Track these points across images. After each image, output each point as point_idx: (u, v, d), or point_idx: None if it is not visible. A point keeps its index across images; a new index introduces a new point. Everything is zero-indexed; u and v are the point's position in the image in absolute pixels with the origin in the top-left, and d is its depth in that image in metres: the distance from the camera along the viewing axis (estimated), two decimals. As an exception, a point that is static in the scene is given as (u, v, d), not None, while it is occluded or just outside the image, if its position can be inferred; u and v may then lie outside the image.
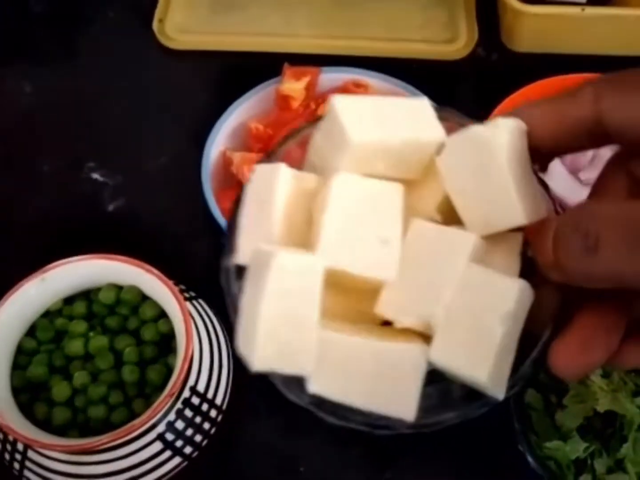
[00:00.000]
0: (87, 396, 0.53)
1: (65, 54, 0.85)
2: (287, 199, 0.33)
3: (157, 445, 0.52)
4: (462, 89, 0.82)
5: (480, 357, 0.30)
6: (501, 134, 0.31)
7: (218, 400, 0.56)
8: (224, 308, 0.61)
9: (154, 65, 0.83)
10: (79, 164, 0.75)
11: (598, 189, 0.33)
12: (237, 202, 0.35)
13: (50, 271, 0.56)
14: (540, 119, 0.30)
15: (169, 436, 0.53)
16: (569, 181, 0.64)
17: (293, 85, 0.65)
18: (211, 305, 0.61)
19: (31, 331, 0.57)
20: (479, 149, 0.31)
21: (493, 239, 0.32)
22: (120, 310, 0.57)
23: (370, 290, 0.33)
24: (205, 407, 0.55)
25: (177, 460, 0.54)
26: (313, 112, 0.66)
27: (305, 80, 0.66)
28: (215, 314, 0.60)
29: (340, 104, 0.33)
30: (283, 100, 0.65)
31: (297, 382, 0.32)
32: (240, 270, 0.33)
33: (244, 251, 0.34)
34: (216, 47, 0.83)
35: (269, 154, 0.38)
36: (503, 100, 0.67)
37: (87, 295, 0.59)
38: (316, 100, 0.67)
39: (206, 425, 0.55)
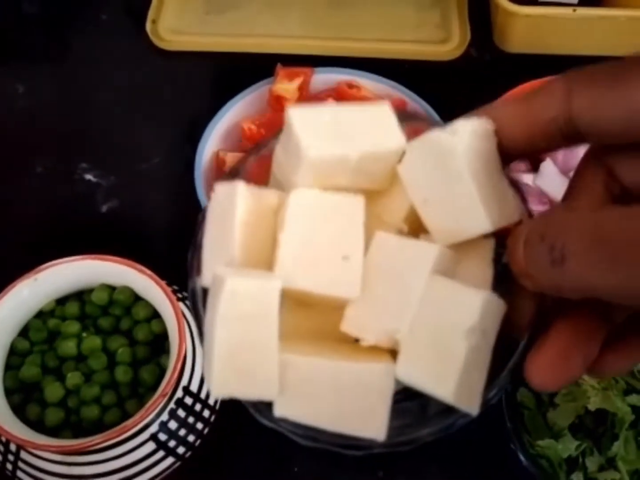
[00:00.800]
0: (80, 397, 0.53)
1: (59, 56, 0.85)
2: (248, 218, 0.31)
3: (150, 446, 0.53)
4: (454, 90, 0.82)
5: (445, 374, 0.29)
6: (461, 139, 0.29)
7: (211, 401, 0.56)
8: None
9: (147, 66, 0.83)
10: (72, 165, 0.75)
11: (573, 187, 0.30)
12: (200, 223, 0.34)
13: (43, 272, 0.56)
14: (510, 119, 0.29)
15: (162, 436, 0.53)
16: (561, 181, 0.64)
17: (286, 85, 0.65)
18: (204, 304, 0.61)
19: (24, 332, 0.57)
20: (438, 156, 0.29)
21: (462, 247, 0.31)
22: (113, 311, 0.57)
23: (337, 308, 0.31)
24: (198, 407, 0.55)
25: (170, 460, 0.54)
26: (305, 112, 0.66)
27: (298, 81, 0.66)
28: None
29: (297, 115, 0.31)
30: (276, 101, 0.65)
31: (267, 405, 0.31)
32: (206, 292, 0.32)
33: (206, 273, 0.33)
34: (209, 48, 0.83)
35: (231, 172, 0.36)
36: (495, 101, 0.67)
37: (80, 296, 0.59)
38: (309, 101, 0.67)
39: (199, 426, 0.55)
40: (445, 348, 0.29)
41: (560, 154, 0.65)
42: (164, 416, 0.53)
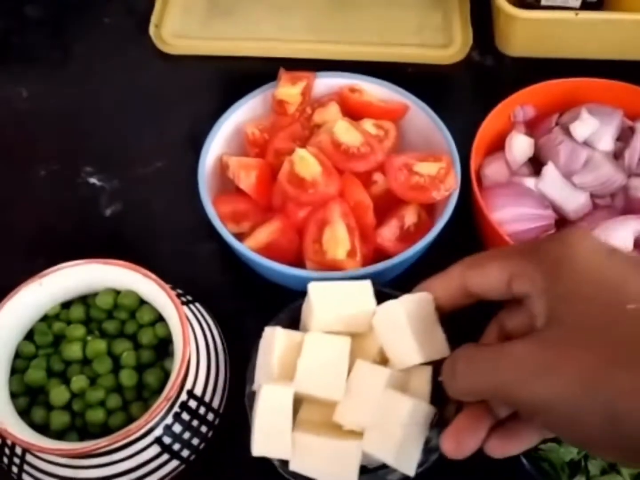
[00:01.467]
0: (85, 400, 0.54)
1: (62, 59, 0.85)
2: (283, 349, 0.53)
3: (155, 449, 0.53)
4: (456, 93, 0.83)
5: (390, 447, 0.49)
6: (403, 306, 0.50)
7: (215, 404, 0.56)
8: (220, 312, 0.62)
9: (151, 70, 0.83)
10: (76, 169, 0.76)
11: (484, 333, 0.49)
12: (253, 352, 0.55)
13: (48, 276, 0.56)
14: (435, 291, 0.49)
15: (167, 440, 0.53)
16: (564, 185, 0.64)
17: (289, 90, 0.66)
18: (208, 309, 0.61)
19: (29, 335, 0.57)
20: (392, 316, 0.51)
21: (411, 370, 0.51)
22: (118, 315, 0.57)
23: (332, 405, 0.51)
24: (202, 410, 0.55)
25: (174, 463, 0.54)
26: (309, 117, 0.67)
27: (301, 85, 0.66)
28: (212, 318, 0.60)
29: (314, 289, 0.54)
30: (279, 105, 0.66)
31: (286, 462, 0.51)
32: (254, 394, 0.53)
33: (256, 382, 0.54)
34: (212, 52, 0.84)
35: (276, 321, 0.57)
36: (497, 104, 0.67)
37: (85, 300, 0.59)
38: (312, 105, 0.68)
39: (204, 429, 0.55)
40: (390, 432, 0.49)
41: (562, 158, 0.65)
42: (169, 419, 0.53)
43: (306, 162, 0.59)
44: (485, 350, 0.41)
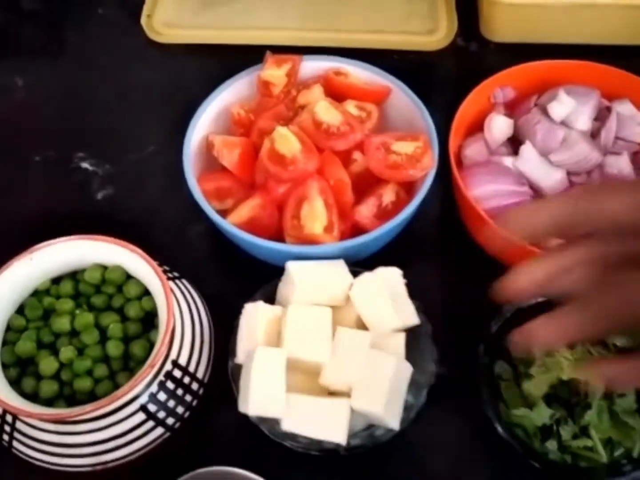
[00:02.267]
0: (73, 370, 0.56)
1: (57, 49, 0.87)
2: (265, 321, 0.57)
3: (140, 416, 0.55)
4: (441, 78, 0.84)
5: (377, 401, 0.53)
6: (377, 276, 0.58)
7: (200, 374, 0.58)
8: (206, 288, 0.64)
9: (143, 59, 0.86)
10: (69, 154, 0.78)
11: None
12: (234, 328, 0.59)
13: (38, 251, 0.58)
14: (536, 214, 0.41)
15: (152, 407, 0.55)
16: (540, 163, 0.66)
17: (274, 71, 0.68)
18: (194, 285, 0.63)
19: (20, 310, 0.59)
20: (368, 286, 0.57)
21: (385, 337, 0.57)
22: (105, 289, 0.59)
23: (318, 371, 0.56)
24: (187, 379, 0.57)
25: (159, 430, 0.56)
26: (294, 98, 0.68)
27: (286, 67, 0.68)
28: (198, 293, 0.62)
29: (293, 266, 0.58)
30: (264, 87, 0.68)
31: (270, 423, 0.55)
32: (239, 367, 0.57)
33: (240, 355, 0.57)
34: (203, 40, 0.85)
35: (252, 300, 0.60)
36: (476, 86, 0.69)
37: (74, 275, 0.61)
38: (297, 87, 0.69)
39: (188, 398, 0.57)
40: (377, 388, 0.54)
41: (539, 137, 0.67)
42: (153, 387, 0.55)
43: (286, 140, 0.61)
44: None
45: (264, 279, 0.62)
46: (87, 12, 0.89)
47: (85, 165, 0.77)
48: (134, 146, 0.78)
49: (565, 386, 0.57)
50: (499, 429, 0.55)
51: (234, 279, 0.67)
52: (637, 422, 0.55)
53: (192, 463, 0.56)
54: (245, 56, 0.81)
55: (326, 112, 0.63)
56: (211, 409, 0.60)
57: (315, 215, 0.60)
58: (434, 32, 0.85)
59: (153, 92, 0.83)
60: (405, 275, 0.62)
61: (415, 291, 0.62)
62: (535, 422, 0.55)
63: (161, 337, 0.54)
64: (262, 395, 0.54)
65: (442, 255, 0.70)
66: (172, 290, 0.59)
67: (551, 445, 0.55)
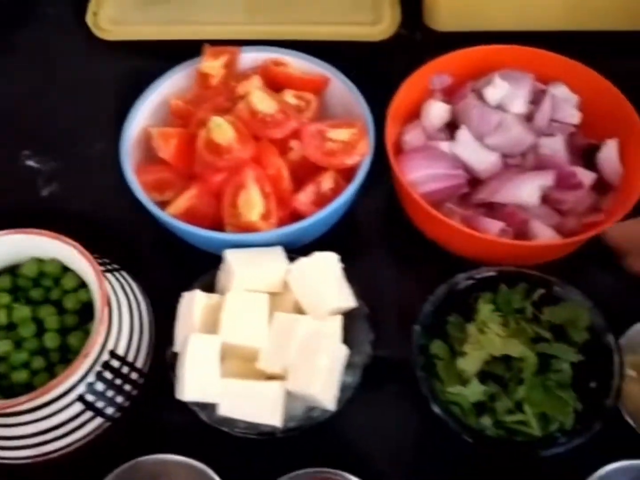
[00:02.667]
0: (9, 363, 0.56)
1: (5, 48, 0.87)
2: (202, 309, 0.58)
3: (78, 406, 0.55)
4: (385, 68, 0.85)
5: (313, 382, 0.54)
6: (314, 261, 0.59)
7: (139, 364, 0.59)
8: (148, 279, 0.64)
9: (88, 56, 0.86)
10: (16, 153, 0.78)
11: None
12: (175, 316, 0.59)
13: (-26, 246, 0.58)
14: None
15: (90, 397, 0.55)
16: (475, 147, 0.67)
17: (211, 63, 0.68)
18: (136, 276, 0.63)
19: (-42, 306, 0.59)
20: (305, 272, 0.58)
21: (323, 318, 0.58)
22: (44, 283, 0.60)
23: (255, 357, 0.57)
24: (125, 369, 0.57)
25: (99, 420, 0.56)
26: (233, 89, 0.69)
27: (223, 59, 0.69)
28: (139, 285, 0.63)
29: (231, 254, 0.59)
30: (203, 78, 0.68)
31: (207, 409, 0.56)
32: (176, 356, 0.57)
33: (178, 342, 0.58)
34: (148, 36, 0.86)
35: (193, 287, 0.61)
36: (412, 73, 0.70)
37: (13, 270, 0.61)
38: (237, 78, 0.70)
39: (127, 387, 0.58)
40: (313, 370, 0.55)
41: (475, 122, 0.68)
42: (90, 378, 0.55)
43: (221, 129, 0.61)
44: None
45: (205, 269, 0.63)
46: (34, 11, 0.89)
47: (30, 163, 0.77)
48: (80, 142, 0.79)
49: (499, 363, 0.58)
50: (434, 406, 0.55)
51: (176, 269, 0.67)
52: (571, 396, 0.56)
53: (134, 452, 0.57)
54: (192, 51, 0.82)
55: (261, 101, 0.64)
56: (152, 397, 0.60)
57: (252, 203, 0.60)
58: (378, 23, 0.86)
59: (99, 89, 0.83)
60: (347, 261, 0.63)
61: (356, 276, 0.63)
62: (470, 399, 0.56)
63: (95, 328, 0.54)
64: (197, 381, 0.54)
65: (383, 241, 0.71)
66: (110, 282, 0.59)
67: (486, 421, 0.56)
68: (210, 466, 0.55)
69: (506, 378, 0.57)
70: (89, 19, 0.87)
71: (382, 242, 0.71)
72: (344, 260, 0.63)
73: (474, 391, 0.56)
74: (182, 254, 0.67)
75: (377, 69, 0.86)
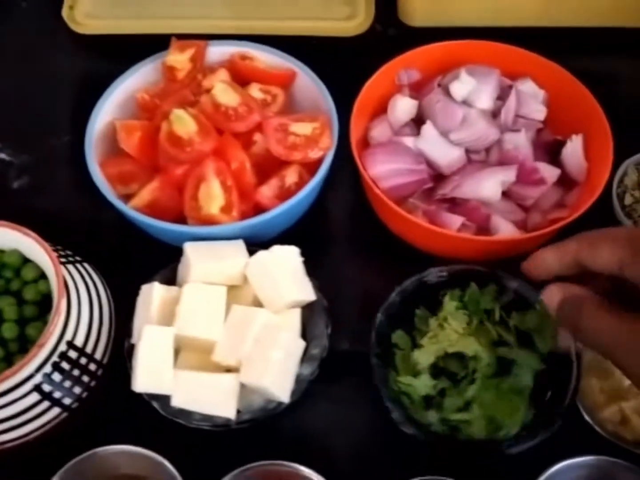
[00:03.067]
0: (-33, 352, 0.56)
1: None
2: (160, 301, 0.58)
3: (35, 396, 0.55)
4: (359, 64, 0.85)
5: (265, 375, 0.54)
6: (272, 255, 0.59)
7: (98, 355, 0.59)
8: (111, 271, 0.64)
9: (63, 50, 0.86)
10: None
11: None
12: (134, 307, 0.60)
13: None
14: (549, 260, 0.50)
15: (46, 387, 0.56)
16: (439, 142, 0.67)
17: (177, 56, 0.69)
18: (99, 268, 0.64)
19: None
20: (264, 265, 0.58)
21: (281, 313, 0.58)
22: (4, 274, 0.60)
23: (211, 349, 0.57)
24: (83, 360, 0.58)
25: (56, 410, 0.57)
26: (199, 82, 0.69)
27: (189, 52, 0.69)
28: (100, 276, 0.63)
29: (190, 247, 0.60)
30: (169, 71, 0.69)
31: (163, 400, 0.56)
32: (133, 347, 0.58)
33: (135, 334, 0.58)
34: (123, 30, 0.85)
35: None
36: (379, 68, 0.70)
37: (-25, 261, 0.61)
38: (204, 72, 0.70)
39: (85, 378, 0.58)
40: (265, 362, 0.55)
41: (440, 117, 0.68)
42: (47, 368, 0.55)
43: (183, 122, 0.61)
44: (611, 318, 0.45)
45: (169, 262, 0.63)
46: (8, 4, 0.90)
47: (2, 155, 0.78)
48: (53, 135, 0.79)
49: (455, 360, 0.58)
50: (383, 395, 0.56)
51: (140, 262, 0.67)
52: (523, 404, 0.56)
53: (91, 442, 0.57)
54: (167, 45, 0.82)
55: (224, 94, 0.64)
56: (111, 389, 0.60)
57: (212, 196, 0.61)
58: (352, 18, 0.86)
59: (72, 82, 0.84)
60: (313, 255, 0.63)
61: (320, 270, 0.63)
62: (419, 391, 0.56)
63: (51, 319, 0.54)
64: (150, 372, 0.55)
65: (350, 235, 0.72)
66: (71, 273, 0.60)
67: (432, 415, 0.56)
68: (167, 457, 0.55)
69: (459, 376, 0.57)
70: (65, 12, 0.87)
71: (349, 236, 0.72)
72: (310, 254, 0.64)
73: (424, 384, 0.56)
74: (146, 247, 0.67)
75: (351, 64, 0.86)
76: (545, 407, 0.57)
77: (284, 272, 0.58)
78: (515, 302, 0.60)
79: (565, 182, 0.68)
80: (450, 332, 0.57)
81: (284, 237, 0.67)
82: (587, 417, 0.58)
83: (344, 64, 0.84)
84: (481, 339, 0.58)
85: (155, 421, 0.58)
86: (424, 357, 0.57)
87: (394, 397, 0.56)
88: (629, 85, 0.79)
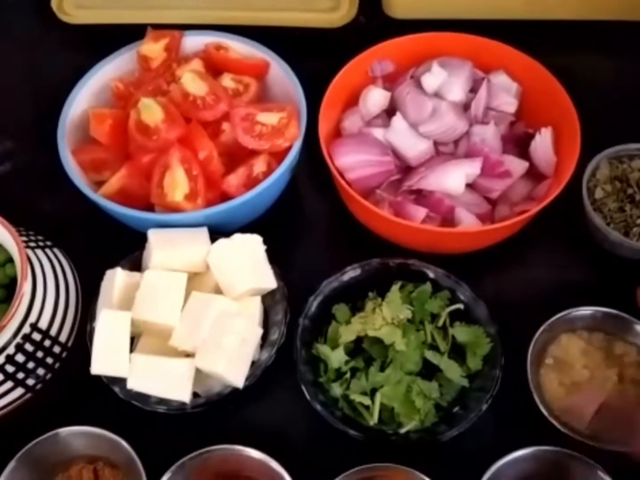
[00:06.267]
0: None
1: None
2: (123, 286, 0.59)
3: (-2, 376, 0.57)
4: (341, 55, 0.85)
5: (218, 360, 0.56)
6: (233, 242, 0.60)
7: (62, 338, 0.60)
8: (79, 257, 0.66)
9: (50, 39, 0.88)
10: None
11: None
12: (97, 292, 0.62)
13: None
14: None
15: (9, 368, 0.57)
16: (409, 134, 0.67)
17: (151, 46, 0.70)
18: (67, 254, 0.65)
19: None
20: (224, 251, 0.60)
21: (243, 301, 0.60)
22: (-27, 257, 0.61)
23: (169, 334, 0.58)
24: (47, 343, 0.59)
25: (20, 391, 0.58)
26: (174, 72, 0.70)
27: (163, 42, 0.70)
28: (69, 261, 0.64)
29: (153, 233, 0.61)
30: (143, 61, 0.70)
31: (121, 383, 0.57)
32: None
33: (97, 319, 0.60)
34: (110, 20, 0.86)
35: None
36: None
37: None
38: (179, 62, 0.71)
39: (49, 360, 0.59)
40: (220, 348, 0.56)
41: (409, 109, 0.68)
42: (10, 349, 0.57)
43: (150, 110, 0.63)
44: None
45: (137, 248, 0.64)
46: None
47: (-15, 142, 0.79)
48: (37, 123, 0.80)
49: (379, 347, 0.58)
50: (299, 359, 0.58)
51: (109, 248, 0.68)
52: (424, 409, 0.57)
53: (53, 424, 0.58)
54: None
55: (192, 83, 0.65)
56: (75, 371, 0.61)
57: (176, 184, 0.62)
58: (335, 10, 0.86)
59: (58, 71, 0.84)
60: (280, 245, 0.64)
61: (288, 259, 0.64)
62: (333, 363, 0.57)
63: (13, 301, 0.56)
64: (105, 355, 0.56)
65: (320, 225, 0.73)
66: (38, 257, 0.61)
67: (336, 388, 0.57)
68: (126, 439, 0.57)
69: (374, 361, 0.58)
70: (54, 3, 0.89)
71: (319, 227, 0.73)
72: (279, 243, 0.65)
73: (337, 357, 0.58)
74: (117, 234, 0.68)
75: (333, 55, 0.86)
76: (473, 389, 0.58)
77: (243, 260, 0.59)
78: (464, 314, 0.61)
79: (535, 175, 0.68)
80: (378, 317, 0.58)
81: (253, 227, 0.67)
82: (543, 410, 0.59)
83: (327, 56, 0.84)
84: (411, 335, 0.58)
85: (116, 404, 0.59)
86: (347, 333, 0.58)
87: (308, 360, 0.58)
88: (606, 81, 0.78)
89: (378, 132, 0.68)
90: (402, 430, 0.56)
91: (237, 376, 0.56)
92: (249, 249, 0.60)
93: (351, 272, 0.62)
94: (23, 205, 0.72)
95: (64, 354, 0.61)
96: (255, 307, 0.59)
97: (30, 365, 0.58)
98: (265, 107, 0.66)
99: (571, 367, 0.61)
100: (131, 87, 0.69)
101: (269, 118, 0.64)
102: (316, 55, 0.81)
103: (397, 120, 0.67)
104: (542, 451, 0.56)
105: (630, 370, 0.60)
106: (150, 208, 0.65)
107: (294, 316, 0.61)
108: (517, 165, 0.66)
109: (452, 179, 0.63)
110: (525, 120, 0.71)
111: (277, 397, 0.62)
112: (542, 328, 0.60)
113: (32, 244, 0.62)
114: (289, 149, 0.65)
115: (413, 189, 0.65)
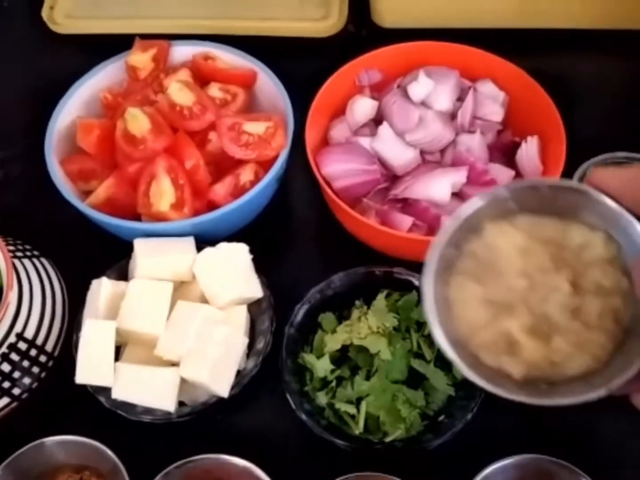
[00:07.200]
0: None
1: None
2: (109, 296, 0.59)
3: (-17, 385, 0.57)
4: (330, 64, 0.86)
5: (202, 369, 0.55)
6: (219, 251, 0.60)
7: (49, 347, 0.61)
8: (66, 267, 0.66)
9: (41, 49, 0.88)
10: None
11: None
12: (83, 302, 0.62)
13: None
14: (607, 179, 0.41)
15: (-5, 377, 0.57)
16: (395, 143, 0.67)
17: (139, 56, 0.70)
18: (55, 263, 0.65)
19: None
20: (210, 260, 0.60)
21: (229, 310, 0.60)
22: (-40, 266, 0.61)
23: (154, 343, 0.58)
24: (33, 352, 0.59)
25: (5, 400, 0.58)
26: (161, 82, 0.70)
27: (151, 52, 0.70)
28: (56, 271, 0.65)
29: (139, 243, 0.61)
30: (131, 71, 0.70)
31: (106, 392, 0.57)
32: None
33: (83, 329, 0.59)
34: (100, 30, 0.87)
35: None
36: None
37: None
38: (166, 72, 0.71)
39: (35, 370, 0.60)
40: (204, 357, 0.56)
41: (396, 118, 0.68)
42: (-4, 359, 0.57)
43: (137, 120, 0.63)
44: None
45: (123, 258, 0.64)
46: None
47: (-19, 151, 0.80)
48: (25, 133, 0.81)
49: (364, 355, 0.58)
50: (285, 369, 0.58)
51: (96, 257, 0.68)
52: (409, 418, 0.57)
53: (39, 433, 0.58)
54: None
55: (179, 93, 0.65)
56: (61, 380, 0.61)
57: (162, 193, 0.62)
58: (325, 19, 0.86)
59: (49, 81, 0.84)
60: (268, 254, 0.64)
61: (275, 268, 0.64)
62: (318, 372, 0.57)
63: (-2, 310, 0.56)
64: (90, 364, 0.56)
65: (308, 234, 0.73)
66: (25, 267, 0.61)
67: (321, 397, 0.57)
68: (112, 449, 0.57)
69: (360, 369, 0.58)
70: (45, 12, 0.89)
71: (307, 236, 0.73)
72: (267, 253, 0.65)
73: (323, 366, 0.58)
74: (104, 243, 0.68)
75: (322, 64, 0.86)
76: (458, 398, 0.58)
77: (230, 269, 0.59)
78: None
79: (522, 184, 0.68)
80: (363, 326, 0.58)
81: (240, 236, 0.68)
82: (450, 354, 0.40)
83: (316, 65, 0.84)
84: (397, 344, 0.58)
85: (102, 413, 0.59)
86: (332, 342, 0.58)
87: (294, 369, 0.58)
88: (593, 89, 0.79)
89: (365, 141, 0.68)
90: (388, 439, 0.56)
91: (222, 385, 0.56)
92: (235, 258, 0.60)
93: (337, 281, 0.62)
94: (12, 214, 0.72)
95: (50, 364, 0.61)
96: (241, 316, 0.60)
97: (16, 374, 0.58)
98: (252, 116, 0.66)
99: (499, 274, 0.42)
100: (119, 98, 0.70)
101: (256, 127, 0.65)
102: (304, 64, 0.81)
103: (384, 129, 0.68)
104: (527, 459, 0.56)
105: (591, 273, 0.40)
106: (137, 217, 0.65)
107: (280, 325, 0.61)
108: (503, 174, 0.66)
109: (438, 188, 0.63)
110: (512, 128, 0.71)
111: (263, 406, 0.62)
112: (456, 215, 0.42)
113: (19, 254, 0.62)
114: (276, 158, 0.65)
115: (399, 197, 0.65)
